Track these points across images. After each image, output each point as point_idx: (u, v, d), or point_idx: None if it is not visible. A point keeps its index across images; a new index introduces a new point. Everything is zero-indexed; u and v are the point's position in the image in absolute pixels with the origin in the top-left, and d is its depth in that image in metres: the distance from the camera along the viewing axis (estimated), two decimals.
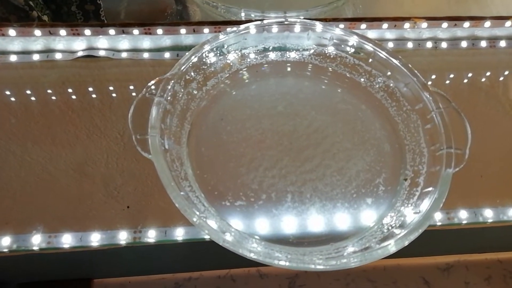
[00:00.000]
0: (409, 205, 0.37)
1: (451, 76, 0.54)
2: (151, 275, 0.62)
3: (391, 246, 0.32)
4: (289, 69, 0.49)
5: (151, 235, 0.38)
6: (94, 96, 0.48)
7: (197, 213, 0.32)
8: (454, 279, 0.60)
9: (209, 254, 0.48)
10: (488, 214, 0.42)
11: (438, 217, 0.41)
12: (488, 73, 0.54)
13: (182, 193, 0.33)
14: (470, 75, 0.54)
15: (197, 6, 0.61)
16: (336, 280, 0.58)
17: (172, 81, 0.40)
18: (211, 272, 0.58)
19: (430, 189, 0.36)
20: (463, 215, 0.41)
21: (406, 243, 0.32)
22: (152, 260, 0.50)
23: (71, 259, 0.45)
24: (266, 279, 0.57)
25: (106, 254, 0.40)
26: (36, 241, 0.37)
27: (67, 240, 0.37)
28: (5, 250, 0.37)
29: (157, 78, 0.39)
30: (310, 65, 0.48)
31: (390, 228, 0.35)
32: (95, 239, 0.37)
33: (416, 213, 0.35)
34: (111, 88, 0.49)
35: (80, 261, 0.47)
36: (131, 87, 0.49)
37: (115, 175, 0.42)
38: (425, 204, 0.35)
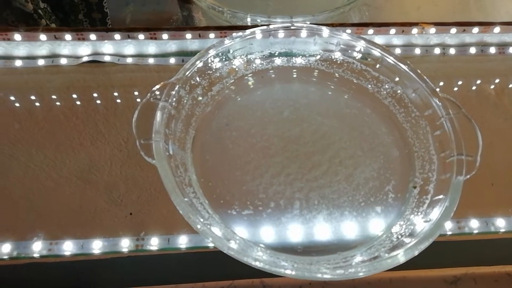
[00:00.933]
0: (419, 213, 0.36)
1: (460, 82, 0.53)
2: (152, 285, 0.61)
3: (401, 256, 0.31)
4: (295, 75, 0.48)
5: (154, 243, 0.37)
6: (98, 101, 0.48)
7: (201, 220, 0.32)
8: None
9: (212, 265, 0.47)
10: (500, 224, 0.41)
11: (448, 226, 0.40)
12: (497, 80, 0.53)
13: (186, 199, 0.33)
14: (478, 81, 0.53)
15: (203, 12, 0.61)
16: None
17: (177, 86, 0.39)
18: (214, 283, 0.57)
19: (440, 197, 0.35)
20: (474, 225, 0.40)
21: (416, 252, 0.31)
22: (153, 270, 0.50)
23: (71, 269, 0.44)
24: None
25: (107, 263, 0.40)
26: (37, 248, 0.36)
27: (68, 248, 0.37)
28: (5, 257, 0.36)
29: (161, 83, 0.39)
30: (316, 70, 0.48)
31: (399, 237, 0.34)
32: (97, 246, 0.37)
33: (426, 221, 0.34)
34: (115, 93, 0.49)
35: (80, 270, 0.46)
36: (136, 93, 0.49)
37: (118, 182, 0.41)
38: (436, 213, 0.34)
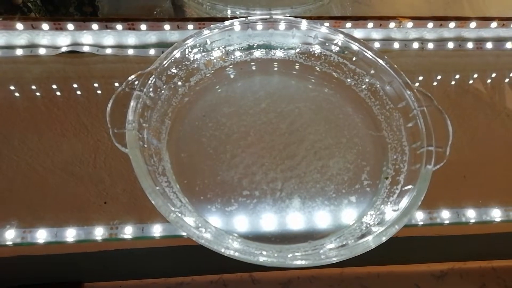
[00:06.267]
0: (389, 203, 0.37)
1: (438, 77, 0.53)
2: (142, 279, 0.62)
3: (369, 242, 0.31)
4: (275, 68, 0.48)
5: (128, 232, 0.37)
6: (79, 92, 0.48)
7: (172, 208, 0.32)
8: (448, 287, 0.60)
9: (200, 259, 0.48)
10: (471, 215, 0.41)
11: (420, 217, 0.41)
12: (475, 75, 0.54)
13: (157, 188, 0.33)
14: (456, 76, 0.54)
15: (183, 3, 0.61)
16: (329, 286, 0.57)
17: (153, 76, 0.39)
18: (203, 277, 0.58)
19: (409, 187, 0.36)
20: (445, 215, 0.41)
21: (384, 239, 0.32)
22: (143, 264, 0.50)
23: (60, 262, 0.44)
24: (258, 285, 0.56)
25: (96, 257, 0.40)
26: (10, 236, 0.36)
27: (41, 236, 0.37)
28: None
29: (137, 73, 0.39)
30: (297, 64, 0.48)
31: (368, 226, 0.35)
32: (71, 234, 0.37)
33: (394, 210, 0.35)
34: (96, 84, 0.49)
35: (69, 264, 0.46)
36: (117, 84, 0.49)
37: (103, 174, 0.41)
38: (405, 202, 0.35)
